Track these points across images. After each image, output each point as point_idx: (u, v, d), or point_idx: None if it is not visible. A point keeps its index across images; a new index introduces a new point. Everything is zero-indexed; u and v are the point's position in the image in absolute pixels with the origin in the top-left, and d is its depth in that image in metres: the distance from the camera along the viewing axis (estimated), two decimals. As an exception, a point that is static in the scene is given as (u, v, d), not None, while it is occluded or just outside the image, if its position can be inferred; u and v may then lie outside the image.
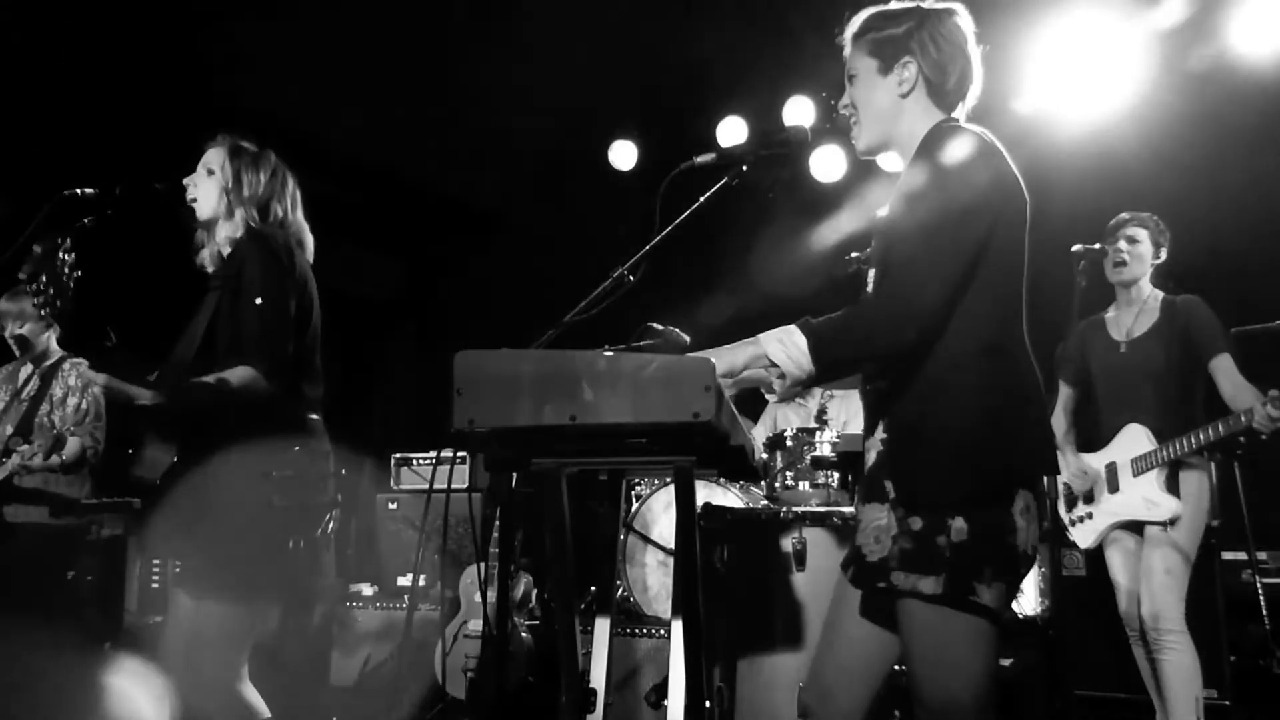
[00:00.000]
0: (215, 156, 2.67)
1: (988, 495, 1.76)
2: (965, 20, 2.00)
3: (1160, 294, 3.70)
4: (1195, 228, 4.07)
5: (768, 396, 2.33)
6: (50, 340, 4.25)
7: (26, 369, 4.25)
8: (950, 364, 1.79)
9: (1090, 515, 3.73)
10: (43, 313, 4.21)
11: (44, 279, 2.39)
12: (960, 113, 2.01)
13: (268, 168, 2.68)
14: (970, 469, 1.76)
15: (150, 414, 2.39)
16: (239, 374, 2.42)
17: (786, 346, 1.76)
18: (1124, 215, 3.74)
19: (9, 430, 4.07)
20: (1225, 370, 3.48)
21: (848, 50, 2.03)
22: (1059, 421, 3.85)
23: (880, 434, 1.90)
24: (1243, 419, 3.31)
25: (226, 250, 2.64)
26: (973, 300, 1.80)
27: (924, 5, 1.99)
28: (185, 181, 2.67)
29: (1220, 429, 3.36)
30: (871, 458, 1.93)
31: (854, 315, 1.83)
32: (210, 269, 2.71)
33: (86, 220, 2.94)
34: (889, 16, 1.99)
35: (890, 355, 1.85)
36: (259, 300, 2.46)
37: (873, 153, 2.04)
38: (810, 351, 1.75)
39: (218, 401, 2.41)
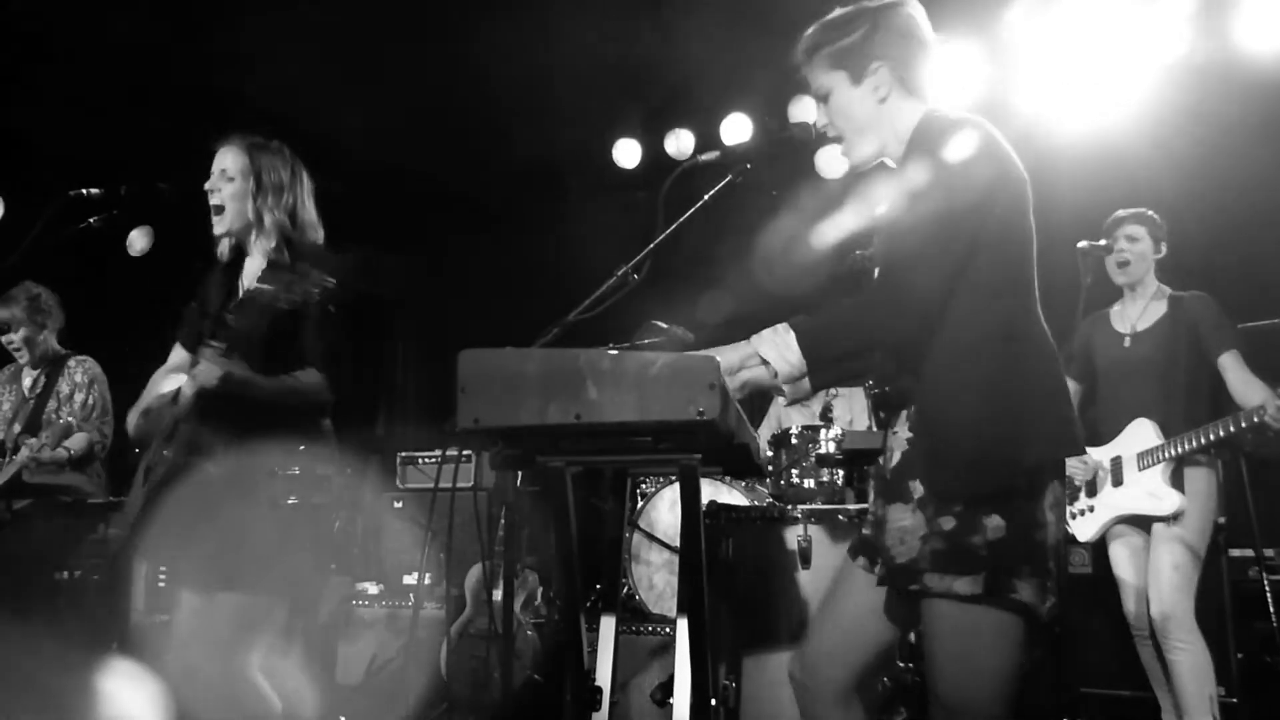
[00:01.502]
0: (233, 160, 2.62)
1: (1020, 486, 1.75)
2: (914, 6, 1.97)
3: (1167, 290, 3.69)
4: (1201, 223, 4.06)
5: (779, 400, 2.32)
6: (50, 340, 4.27)
7: (31, 369, 4.27)
8: (968, 354, 1.79)
9: (1092, 509, 3.72)
10: (36, 318, 4.25)
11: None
12: (934, 98, 1.98)
13: (286, 165, 2.66)
14: (999, 460, 1.75)
15: (213, 398, 2.38)
16: (311, 378, 2.50)
17: (779, 346, 1.76)
18: (1121, 213, 3.73)
19: (18, 429, 4.09)
20: (1234, 366, 3.47)
21: (807, 70, 2.00)
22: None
23: (905, 432, 1.88)
24: (1254, 416, 3.30)
25: (264, 258, 2.62)
26: (984, 288, 1.78)
27: (868, 4, 1.96)
28: (207, 187, 2.63)
29: (1230, 426, 3.35)
30: (895, 458, 1.90)
31: (846, 311, 1.82)
32: (226, 260, 2.70)
33: (92, 220, 2.95)
34: (838, 25, 1.96)
35: (883, 348, 1.84)
36: (334, 309, 2.51)
37: (868, 164, 2.01)
38: (801, 348, 1.75)
39: (293, 402, 2.48)
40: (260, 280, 2.60)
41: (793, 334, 1.76)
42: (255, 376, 2.41)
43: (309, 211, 2.70)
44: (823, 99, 1.99)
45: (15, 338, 4.20)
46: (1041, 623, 1.78)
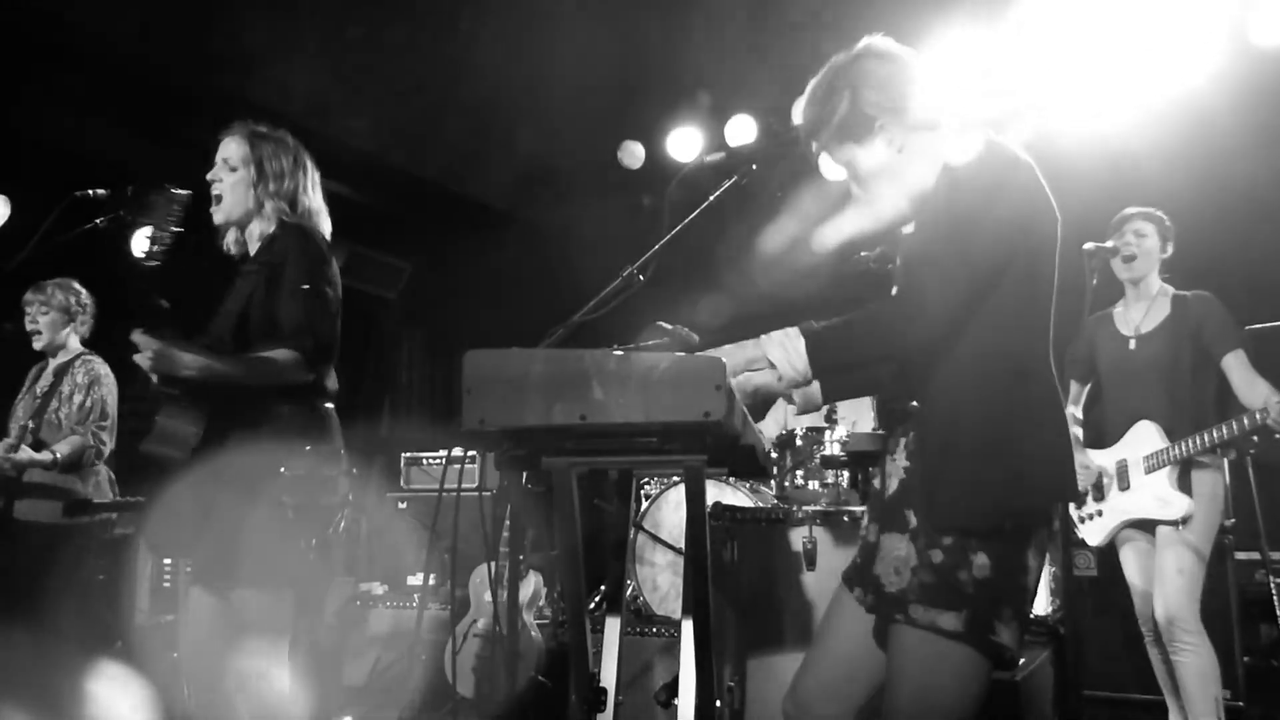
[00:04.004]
0: (235, 150, 2.63)
1: (1009, 528, 1.74)
2: (878, 44, 1.92)
3: (1170, 289, 3.67)
4: (1207, 224, 4.05)
5: (788, 406, 2.31)
6: (69, 337, 4.25)
7: (48, 366, 4.27)
8: (975, 388, 1.77)
9: (1100, 513, 3.71)
10: (67, 311, 4.24)
11: (161, 218, 2.39)
12: (947, 113, 1.93)
13: (288, 153, 2.66)
14: (992, 498, 1.73)
15: (178, 386, 2.36)
16: (282, 355, 2.44)
17: (786, 350, 1.75)
18: (1129, 210, 3.72)
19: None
20: (1238, 366, 3.46)
21: (820, 151, 1.97)
22: (1069, 418, 3.82)
23: (903, 460, 1.86)
24: (1257, 416, 3.29)
25: (258, 242, 2.62)
26: (1001, 324, 1.77)
27: (836, 63, 1.93)
28: (209, 178, 2.63)
29: (1234, 427, 3.34)
30: (893, 485, 1.89)
31: (855, 321, 1.80)
32: (236, 251, 2.70)
33: (99, 221, 2.95)
34: (822, 99, 1.92)
35: (889, 362, 1.84)
36: (306, 286, 2.47)
37: (910, 215, 1.94)
38: (808, 353, 1.74)
39: (258, 381, 2.43)
40: (254, 258, 2.61)
41: (802, 340, 1.75)
42: (203, 356, 2.35)
43: (312, 199, 2.70)
44: (849, 173, 1.97)
45: (40, 320, 4.18)
46: (1010, 666, 1.77)
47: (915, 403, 1.86)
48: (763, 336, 1.80)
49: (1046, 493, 1.80)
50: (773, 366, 1.76)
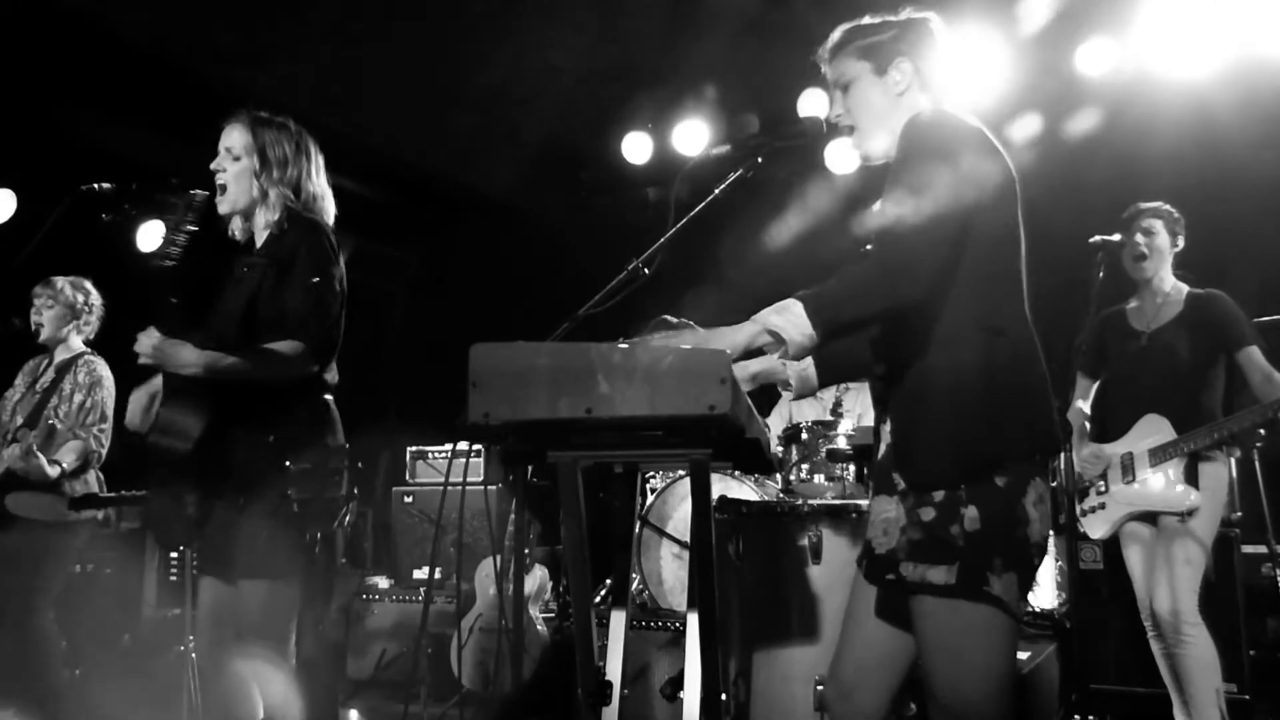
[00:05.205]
0: (238, 138, 2.62)
1: (997, 480, 1.74)
2: (939, 25, 2.03)
3: (1185, 287, 3.65)
4: (1215, 218, 4.03)
5: (783, 392, 2.32)
6: (72, 335, 4.23)
7: (47, 362, 4.25)
8: (945, 343, 1.79)
9: (1103, 505, 3.69)
10: (72, 309, 4.21)
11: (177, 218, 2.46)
12: (949, 102, 2.01)
13: (290, 139, 2.65)
14: (966, 452, 1.75)
15: (183, 380, 2.38)
16: (289, 348, 2.45)
17: (785, 315, 1.75)
18: (1138, 207, 3.69)
19: (19, 421, 4.06)
20: (1255, 361, 3.45)
21: (831, 64, 2.05)
22: (1077, 412, 3.82)
23: (888, 424, 1.90)
24: (1266, 412, 3.28)
25: (266, 231, 2.62)
26: (965, 278, 1.79)
27: (897, 18, 2.03)
28: (213, 167, 2.63)
29: (1245, 420, 3.33)
30: (882, 450, 1.93)
31: (849, 277, 1.80)
32: (241, 239, 2.70)
33: (105, 216, 2.95)
34: (869, 28, 2.02)
35: (889, 313, 1.83)
36: (315, 280, 2.47)
37: (878, 158, 2.02)
38: (809, 315, 1.73)
39: (264, 374, 2.44)
40: (261, 250, 2.62)
41: (800, 304, 1.74)
42: (206, 351, 2.38)
43: (316, 185, 2.69)
44: (843, 88, 2.02)
45: (45, 313, 4.16)
46: (1018, 621, 1.77)
47: (883, 366, 1.89)
48: (755, 315, 1.78)
49: (1024, 443, 1.80)
50: (775, 341, 1.75)
